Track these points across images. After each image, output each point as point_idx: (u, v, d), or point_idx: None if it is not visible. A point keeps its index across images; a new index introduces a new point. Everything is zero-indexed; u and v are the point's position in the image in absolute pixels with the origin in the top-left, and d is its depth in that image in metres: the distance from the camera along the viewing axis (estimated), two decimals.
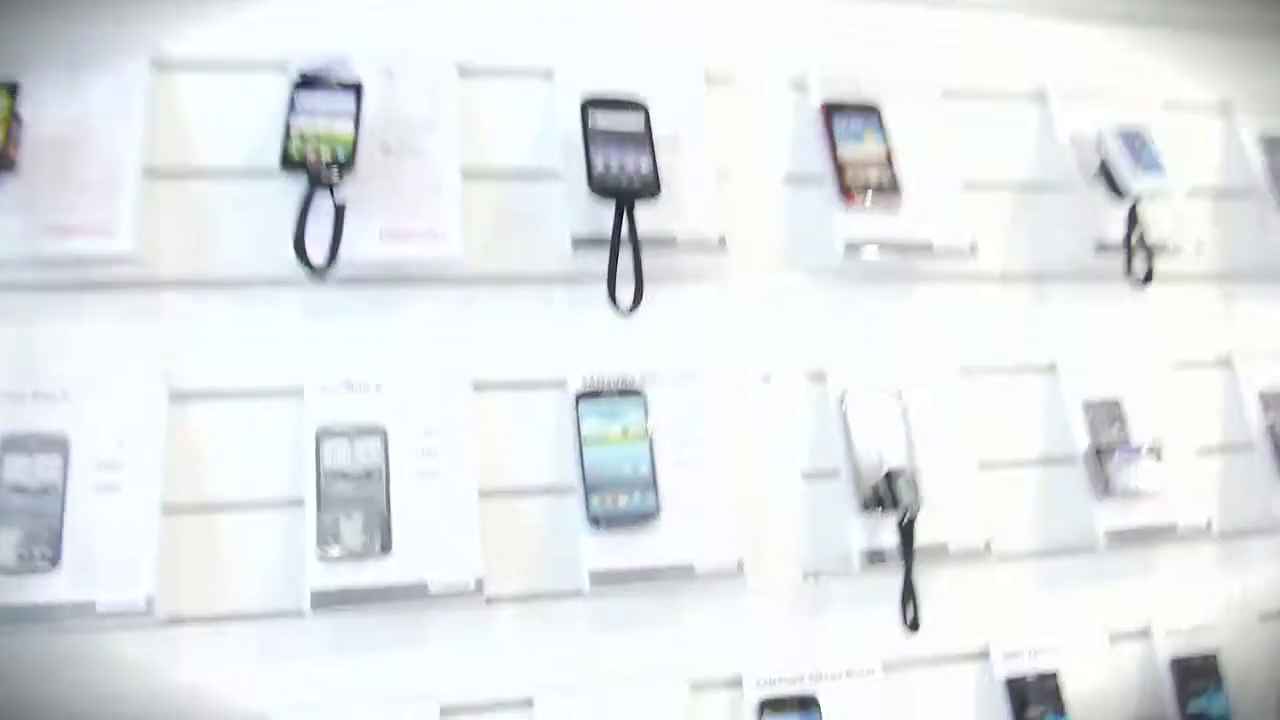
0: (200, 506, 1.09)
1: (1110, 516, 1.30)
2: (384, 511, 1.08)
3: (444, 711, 1.08)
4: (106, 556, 1.03)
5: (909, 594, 1.15)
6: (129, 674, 1.04)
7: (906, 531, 1.16)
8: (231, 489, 1.10)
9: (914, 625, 1.15)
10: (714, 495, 1.17)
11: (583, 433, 1.15)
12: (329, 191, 1.07)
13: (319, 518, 1.06)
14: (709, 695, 1.16)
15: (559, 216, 1.18)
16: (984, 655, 1.26)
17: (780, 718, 1.16)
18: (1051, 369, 1.36)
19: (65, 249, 1.06)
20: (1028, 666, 1.27)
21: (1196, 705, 1.33)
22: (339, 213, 1.07)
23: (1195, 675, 1.34)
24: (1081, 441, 1.33)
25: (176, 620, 1.05)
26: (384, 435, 1.11)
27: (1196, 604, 1.37)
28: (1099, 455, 1.31)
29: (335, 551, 1.05)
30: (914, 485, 1.18)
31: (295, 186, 1.07)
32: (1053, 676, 1.27)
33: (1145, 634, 1.34)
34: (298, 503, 1.08)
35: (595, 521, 1.11)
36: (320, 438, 1.10)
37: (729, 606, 1.19)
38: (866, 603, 1.21)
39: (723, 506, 1.17)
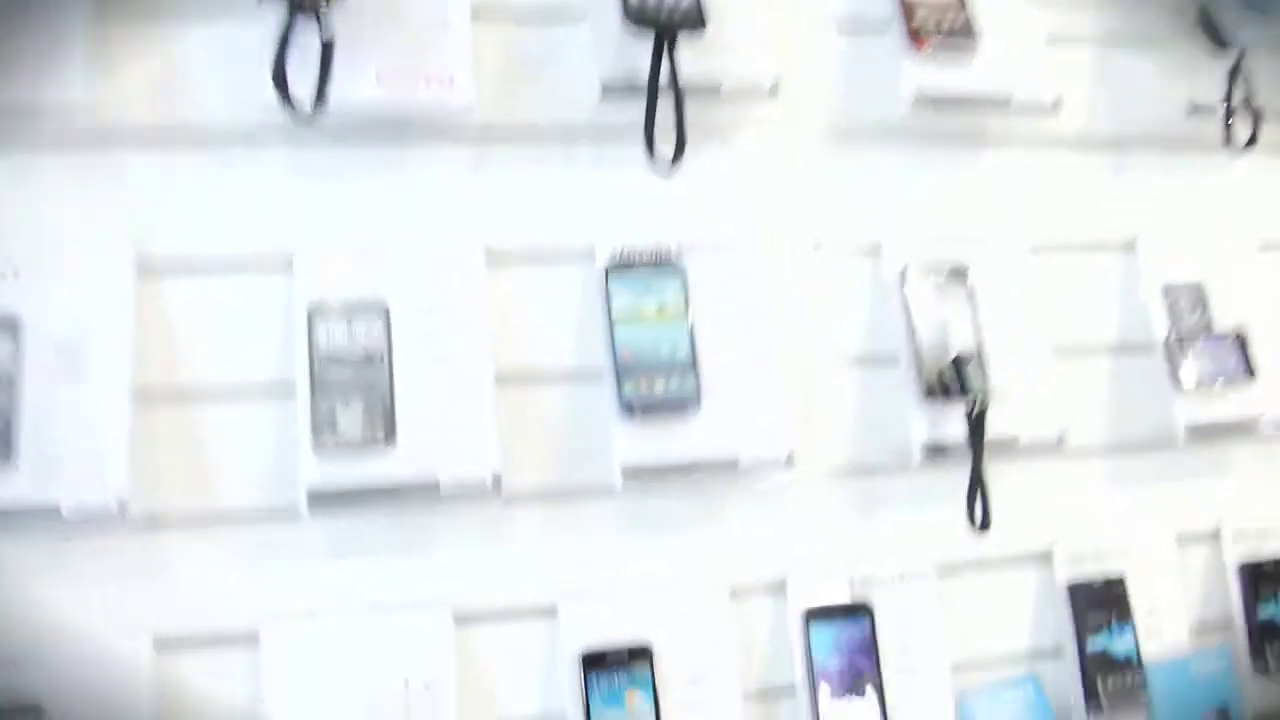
0: (177, 395, 0.95)
1: (1190, 409, 1.18)
2: (387, 399, 0.95)
3: (458, 620, 0.97)
4: (70, 453, 0.89)
5: (980, 491, 1.03)
6: (101, 584, 0.92)
7: (977, 422, 1.04)
8: (212, 374, 0.96)
9: (985, 524, 1.04)
10: (760, 381, 1.03)
11: (613, 310, 1.01)
12: (315, 21, 0.90)
13: (313, 405, 0.93)
14: (750, 602, 1.05)
15: (584, 58, 1.02)
16: (1046, 558, 1.16)
17: (827, 626, 1.06)
18: (1130, 247, 1.23)
19: (5, 95, 0.90)
20: (1092, 570, 1.17)
21: (1266, 611, 1.24)
22: (326, 49, 0.90)
23: (1265, 580, 1.25)
24: (1161, 328, 1.20)
25: (154, 523, 0.93)
26: (385, 313, 0.97)
27: (1271, 505, 1.27)
28: (1180, 343, 1.19)
29: (333, 444, 0.93)
30: (984, 372, 1.06)
31: (277, 24, 0.90)
32: (1119, 582, 1.17)
33: (1214, 536, 1.24)
34: (288, 389, 0.95)
35: (628, 409, 0.99)
36: (313, 315, 0.95)
37: (774, 505, 1.07)
38: (925, 501, 1.10)
39: (770, 393, 1.04)
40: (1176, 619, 1.20)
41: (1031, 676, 1.14)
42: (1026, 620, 1.16)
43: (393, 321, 0.97)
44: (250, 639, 0.93)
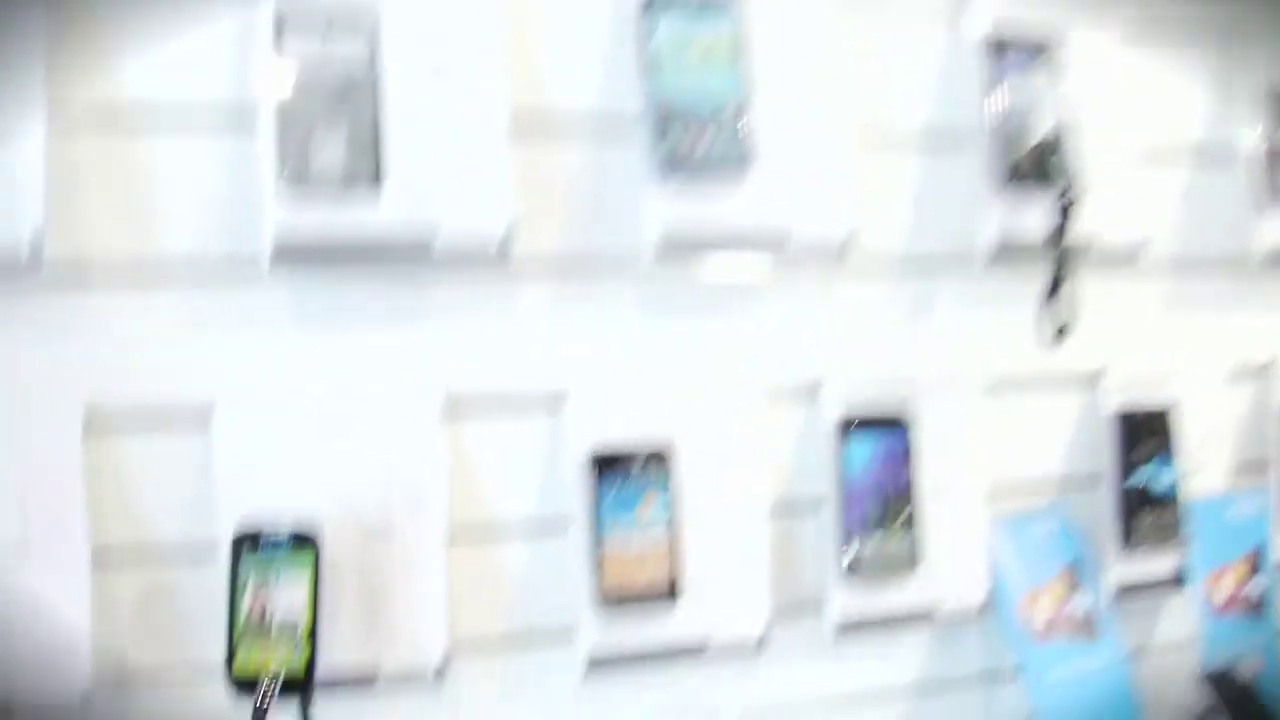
0: (106, 115, 0.76)
1: (1273, 231, 1.06)
2: (373, 131, 0.77)
3: (449, 405, 0.83)
4: None
5: (1062, 292, 0.90)
6: (13, 347, 0.75)
7: (1065, 216, 0.89)
8: (151, 90, 0.77)
9: (1062, 332, 0.91)
10: (819, 150, 0.88)
11: (653, 47, 0.83)
12: None
13: (280, 134, 0.75)
14: (782, 405, 0.93)
15: None
16: (1097, 380, 1.05)
17: (864, 437, 0.94)
18: (1226, 41, 1.07)
19: None
20: (1142, 398, 1.06)
21: None
22: None
23: None
24: (1253, 138, 1.07)
25: (80, 275, 0.76)
26: (372, 30, 0.78)
27: None
28: (1274, 155, 1.06)
29: (304, 183, 0.75)
30: (1075, 159, 0.91)
31: None
32: (1168, 414, 1.07)
33: (1265, 372, 1.14)
34: (248, 113, 0.77)
35: (668, 165, 0.82)
36: (281, 24, 0.76)
37: (819, 297, 0.93)
38: (984, 306, 0.97)
39: (829, 165, 0.88)
40: (1220, 457, 1.11)
41: (1061, 506, 1.05)
42: (1066, 446, 1.06)
43: (381, 37, 0.78)
44: (200, 419, 0.78)
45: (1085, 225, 0.95)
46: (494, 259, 0.80)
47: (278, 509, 0.77)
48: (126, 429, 0.78)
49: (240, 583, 0.76)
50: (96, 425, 0.77)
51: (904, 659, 1.00)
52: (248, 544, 0.76)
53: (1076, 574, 1.04)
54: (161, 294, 0.79)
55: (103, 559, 0.77)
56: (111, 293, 0.78)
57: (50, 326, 0.77)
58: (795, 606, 0.93)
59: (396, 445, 0.82)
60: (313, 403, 0.81)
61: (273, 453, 0.80)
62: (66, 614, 0.76)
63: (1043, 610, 1.02)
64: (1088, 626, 1.03)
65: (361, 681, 0.82)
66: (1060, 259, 0.91)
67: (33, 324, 0.76)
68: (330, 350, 0.82)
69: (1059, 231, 0.90)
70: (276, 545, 0.76)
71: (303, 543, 0.76)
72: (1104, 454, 1.05)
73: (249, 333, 0.81)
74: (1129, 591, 1.05)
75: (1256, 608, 1.10)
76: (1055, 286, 0.91)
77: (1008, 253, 0.94)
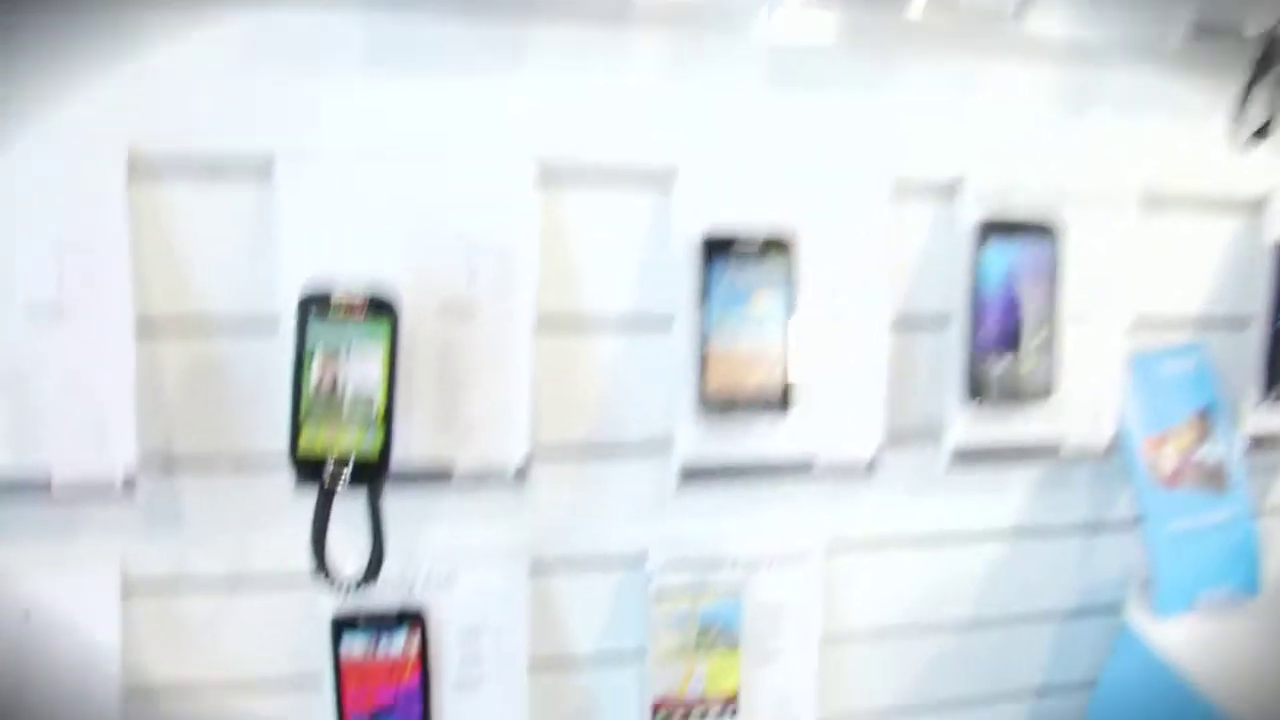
0: None
1: None
2: None
3: (544, 170, 0.72)
4: None
5: (1268, 85, 0.77)
6: (52, 84, 0.65)
7: None
8: None
9: (1262, 132, 0.78)
10: None
11: None
12: None
13: None
14: (915, 200, 0.81)
15: None
16: (1263, 207, 0.92)
17: (1004, 244, 0.82)
18: None
19: None
20: None
21: None
22: None
23: None
24: None
25: None
26: None
27: None
28: None
29: None
30: None
31: None
32: None
33: None
34: None
35: None
36: None
37: (971, 77, 0.80)
38: (1157, 104, 0.84)
39: None
40: None
41: (1200, 346, 0.94)
42: (1220, 277, 0.93)
43: None
44: (260, 170, 0.68)
45: None
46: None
47: (347, 275, 0.67)
48: (175, 178, 0.68)
49: (307, 351, 0.66)
50: (141, 173, 0.67)
51: (1016, 497, 0.91)
52: (316, 308, 0.66)
53: (1209, 420, 0.94)
54: (215, 22, 0.67)
55: (148, 328, 0.69)
56: (158, 14, 0.66)
57: (88, 55, 0.66)
58: (911, 430, 0.84)
59: (483, 212, 0.72)
60: (389, 156, 0.70)
61: (342, 212, 0.70)
62: (107, 389, 0.68)
63: (1168, 456, 0.93)
64: (1217, 477, 0.94)
65: (435, 476, 0.74)
66: (1271, 45, 0.76)
67: (66, 50, 0.65)
68: (411, 95, 0.71)
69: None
70: (350, 310, 0.67)
71: (379, 310, 0.67)
72: (1259, 291, 0.93)
73: (317, 70, 0.69)
74: (1266, 443, 0.95)
75: None
76: (1259, 77, 0.77)
77: (1202, 38, 0.79)
